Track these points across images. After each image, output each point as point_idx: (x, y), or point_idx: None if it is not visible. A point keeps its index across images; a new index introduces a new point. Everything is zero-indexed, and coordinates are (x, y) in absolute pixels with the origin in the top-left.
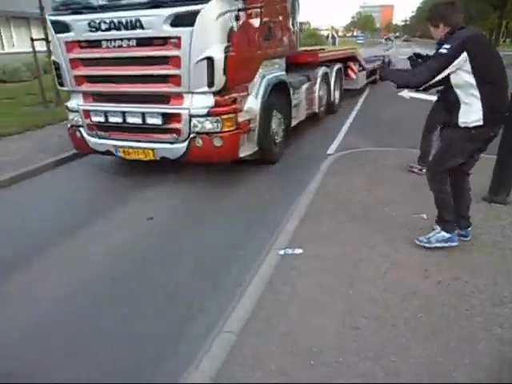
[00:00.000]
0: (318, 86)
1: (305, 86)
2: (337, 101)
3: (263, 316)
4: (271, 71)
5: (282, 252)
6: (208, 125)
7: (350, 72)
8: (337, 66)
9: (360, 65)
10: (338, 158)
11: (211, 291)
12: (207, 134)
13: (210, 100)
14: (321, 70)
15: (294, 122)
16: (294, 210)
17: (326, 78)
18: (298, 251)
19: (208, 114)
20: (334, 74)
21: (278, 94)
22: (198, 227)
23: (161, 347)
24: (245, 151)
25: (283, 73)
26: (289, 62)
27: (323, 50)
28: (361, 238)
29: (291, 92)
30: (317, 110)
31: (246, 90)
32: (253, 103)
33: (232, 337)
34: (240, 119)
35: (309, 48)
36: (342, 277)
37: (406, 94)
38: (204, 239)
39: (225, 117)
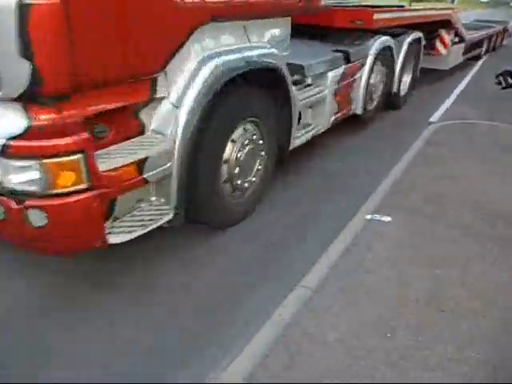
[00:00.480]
0: (367, 69)
1: (336, 72)
2: (403, 91)
3: (343, 279)
4: (235, 46)
5: (368, 217)
6: (11, 177)
7: (438, 45)
8: (412, 36)
9: (457, 34)
10: (441, 128)
11: None
12: (14, 196)
13: (13, 118)
14: (377, 43)
15: (299, 139)
16: (387, 176)
17: (386, 54)
18: (387, 219)
19: (6, 152)
20: (404, 48)
21: (263, 90)
22: None
23: None
24: (131, 230)
25: (273, 50)
26: (304, 24)
27: (401, 7)
28: (455, 219)
29: (297, 83)
30: (359, 111)
31: (144, 92)
32: (166, 119)
33: (308, 292)
34: (110, 164)
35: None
36: (429, 254)
37: None
38: None
39: (55, 161)
